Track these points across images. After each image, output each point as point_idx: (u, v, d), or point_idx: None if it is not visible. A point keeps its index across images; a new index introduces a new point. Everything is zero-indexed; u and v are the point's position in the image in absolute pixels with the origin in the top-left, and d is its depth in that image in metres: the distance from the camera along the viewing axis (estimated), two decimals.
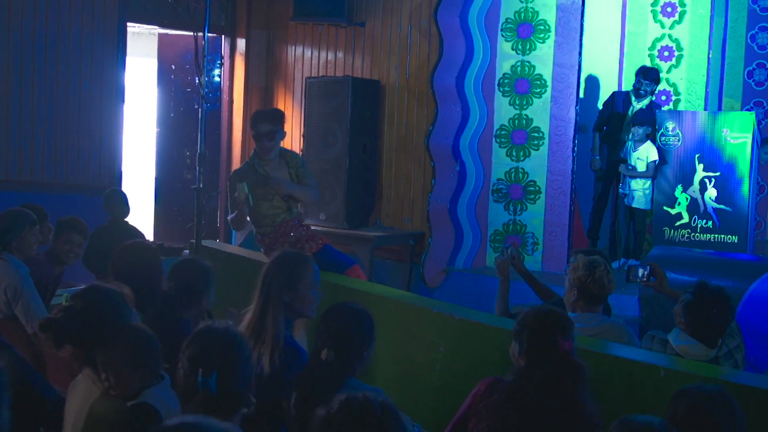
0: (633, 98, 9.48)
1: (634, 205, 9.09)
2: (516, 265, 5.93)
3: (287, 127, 7.21)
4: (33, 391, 3.80)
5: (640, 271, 5.36)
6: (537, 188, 8.96)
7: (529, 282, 6.12)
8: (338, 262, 6.85)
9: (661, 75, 9.99)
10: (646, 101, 9.39)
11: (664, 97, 10.47)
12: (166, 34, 10.56)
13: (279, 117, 6.90)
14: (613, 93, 9.88)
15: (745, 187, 8.46)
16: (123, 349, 3.48)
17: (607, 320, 4.98)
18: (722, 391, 3.34)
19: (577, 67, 8.74)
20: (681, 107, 10.37)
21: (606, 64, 10.31)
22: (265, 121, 6.78)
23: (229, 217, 6.84)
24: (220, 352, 3.23)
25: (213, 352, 3.22)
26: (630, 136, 9.16)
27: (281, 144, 6.96)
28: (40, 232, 6.21)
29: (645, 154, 8.88)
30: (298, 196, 6.85)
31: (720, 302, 4.55)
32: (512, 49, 8.97)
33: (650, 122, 8.93)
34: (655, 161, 8.81)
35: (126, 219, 7.70)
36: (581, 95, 9.31)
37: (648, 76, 9.38)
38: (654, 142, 8.88)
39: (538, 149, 8.94)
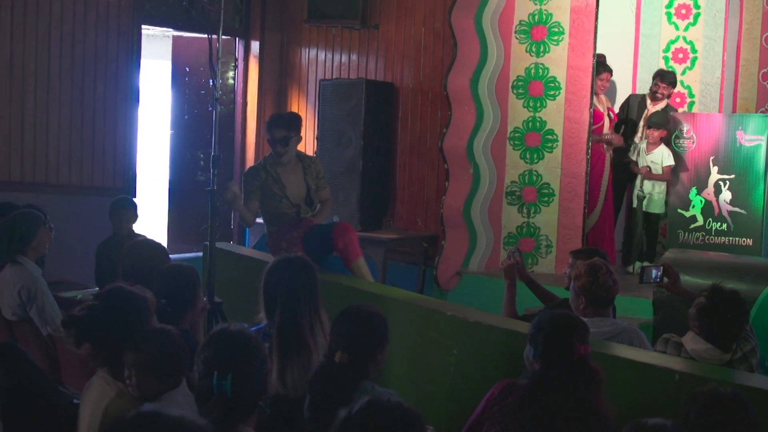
0: (648, 101, 9.46)
1: (651, 209, 9.05)
2: (519, 271, 5.92)
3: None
4: (44, 398, 3.81)
5: (654, 272, 5.35)
6: (551, 191, 8.94)
7: (531, 287, 6.13)
8: (324, 231, 6.78)
9: (675, 77, 9.97)
10: (662, 104, 9.38)
11: (678, 99, 10.44)
12: (181, 37, 10.59)
13: (294, 122, 6.94)
14: (630, 96, 9.86)
15: (760, 190, 8.44)
16: (153, 353, 3.50)
17: (619, 324, 4.96)
18: (736, 394, 3.33)
19: (591, 69, 8.72)
20: (695, 109, 10.34)
21: (620, 67, 10.28)
22: (279, 127, 6.82)
23: (239, 214, 6.92)
24: (235, 354, 3.24)
25: (228, 355, 3.23)
26: (642, 137, 9.16)
27: (298, 148, 7.02)
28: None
29: (660, 157, 8.85)
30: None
31: (734, 306, 4.52)
32: (526, 51, 8.94)
33: (665, 125, 8.91)
34: (671, 165, 8.78)
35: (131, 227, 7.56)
36: None
37: (665, 78, 9.37)
38: (669, 145, 8.87)
39: (552, 152, 8.92)
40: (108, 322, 3.64)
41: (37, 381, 3.86)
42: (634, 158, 9.21)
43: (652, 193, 8.99)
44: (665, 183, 8.93)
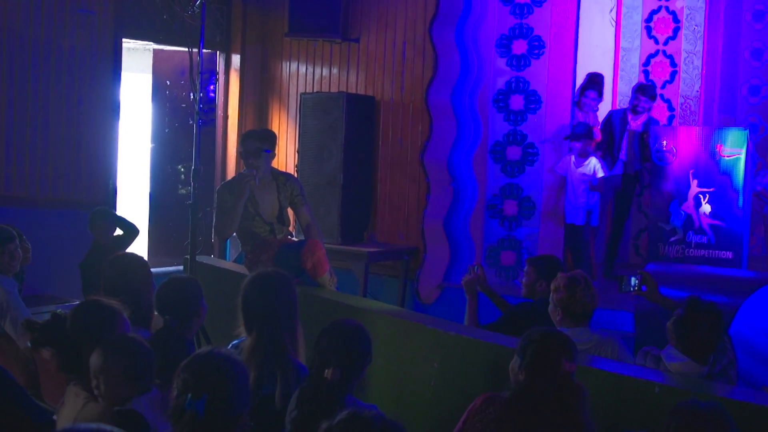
0: (630, 116, 9.48)
1: (592, 223, 8.96)
2: (481, 284, 6.14)
3: (282, 143, 7.25)
4: (22, 413, 3.78)
5: (632, 280, 5.37)
6: (532, 204, 8.96)
7: (492, 299, 6.41)
8: (295, 251, 6.75)
9: (656, 91, 10.01)
10: (643, 118, 9.42)
11: (658, 113, 10.49)
12: (162, 50, 10.57)
13: (267, 137, 6.92)
14: (610, 112, 9.81)
15: (740, 203, 8.47)
16: (120, 357, 3.52)
17: (599, 334, 4.98)
18: (718, 408, 3.34)
19: (571, 82, 8.75)
20: (675, 123, 10.39)
21: None
22: (251, 139, 6.81)
23: (214, 224, 6.84)
24: (213, 377, 3.21)
25: (206, 377, 3.20)
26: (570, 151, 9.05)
27: (273, 164, 6.98)
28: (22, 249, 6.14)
29: (592, 169, 8.76)
30: None
31: (711, 317, 4.54)
32: (507, 65, 8.98)
33: (588, 136, 8.80)
34: (603, 177, 8.75)
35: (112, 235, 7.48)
36: None
37: (646, 92, 9.38)
38: (598, 156, 8.82)
39: (533, 165, 8.95)
40: (71, 329, 3.65)
41: (16, 396, 3.83)
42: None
43: (587, 206, 8.92)
44: (597, 194, 8.91)
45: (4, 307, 5.71)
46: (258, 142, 6.79)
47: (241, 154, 6.89)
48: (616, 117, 9.68)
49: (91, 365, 3.51)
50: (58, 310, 3.87)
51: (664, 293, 5.43)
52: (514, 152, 8.97)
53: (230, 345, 4.72)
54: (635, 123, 9.45)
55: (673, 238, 8.73)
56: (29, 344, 3.77)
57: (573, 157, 8.90)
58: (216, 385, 3.18)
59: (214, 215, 7.04)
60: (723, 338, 4.67)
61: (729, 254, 8.48)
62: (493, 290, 6.43)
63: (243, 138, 6.94)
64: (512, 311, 5.95)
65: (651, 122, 9.45)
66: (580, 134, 8.83)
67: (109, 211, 7.47)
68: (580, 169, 8.85)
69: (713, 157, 8.53)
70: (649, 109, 9.46)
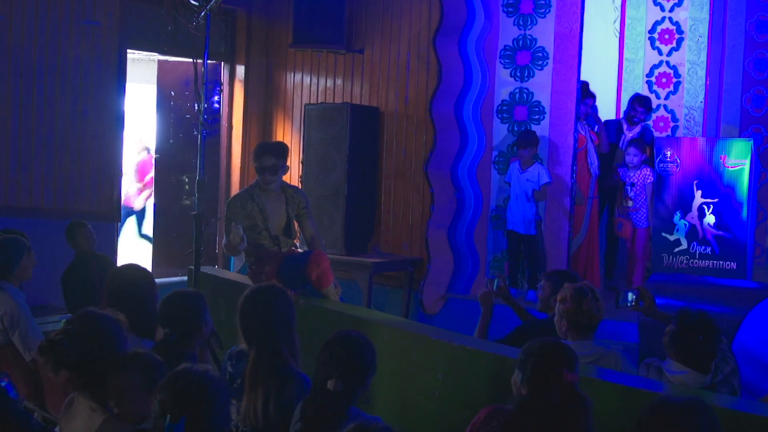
0: (625, 125, 9.52)
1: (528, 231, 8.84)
2: (504, 296, 6.10)
3: None
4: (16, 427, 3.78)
5: (629, 296, 5.35)
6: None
7: (516, 310, 6.33)
8: (299, 263, 6.72)
9: (659, 101, 10.03)
10: (638, 128, 9.46)
11: (661, 124, 10.50)
12: (166, 61, 10.59)
13: (283, 151, 6.85)
14: (605, 122, 9.80)
15: (744, 213, 8.47)
16: (136, 374, 3.50)
17: (602, 347, 4.97)
18: (695, 401, 3.29)
19: (575, 93, 8.75)
20: (679, 134, 10.40)
21: (603, 91, 10.33)
22: (269, 155, 6.72)
23: (224, 241, 6.80)
24: (192, 397, 3.15)
25: (184, 398, 3.14)
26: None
27: (283, 178, 6.95)
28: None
29: (536, 176, 8.66)
30: None
31: (704, 326, 4.51)
32: (511, 76, 8.99)
33: (534, 143, 8.77)
34: (548, 183, 8.65)
35: (93, 250, 7.49)
36: None
37: (643, 103, 9.44)
38: (542, 164, 8.77)
39: None
40: (84, 347, 3.63)
41: (10, 411, 3.83)
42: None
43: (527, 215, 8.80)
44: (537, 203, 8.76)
45: (15, 320, 5.72)
46: (274, 158, 6.69)
47: (257, 169, 6.79)
48: (612, 127, 9.70)
49: (110, 383, 3.50)
50: (63, 321, 3.85)
51: (669, 304, 5.42)
52: None
53: (227, 352, 4.71)
54: (630, 133, 9.49)
55: (677, 249, 8.73)
56: (52, 375, 3.72)
57: (518, 164, 8.82)
58: (195, 406, 3.12)
59: (224, 227, 7.01)
60: (722, 345, 4.65)
61: (733, 265, 8.48)
62: (517, 301, 6.37)
63: (258, 153, 6.79)
64: (522, 328, 5.88)
65: (646, 131, 9.50)
66: (527, 141, 8.72)
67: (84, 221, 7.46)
68: (524, 176, 8.74)
69: (717, 167, 8.54)
70: (644, 120, 9.51)
